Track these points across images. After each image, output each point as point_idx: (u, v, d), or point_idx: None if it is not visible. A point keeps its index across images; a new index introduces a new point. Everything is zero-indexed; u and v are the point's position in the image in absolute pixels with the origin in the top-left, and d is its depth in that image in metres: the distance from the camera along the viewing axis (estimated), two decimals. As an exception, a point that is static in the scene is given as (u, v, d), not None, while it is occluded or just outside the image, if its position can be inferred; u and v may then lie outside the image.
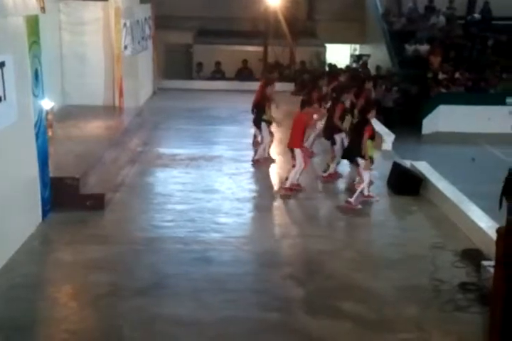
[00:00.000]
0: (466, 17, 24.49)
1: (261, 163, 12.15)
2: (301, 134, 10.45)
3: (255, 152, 12.46)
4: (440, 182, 10.25)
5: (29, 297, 6.72)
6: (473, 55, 22.08)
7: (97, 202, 9.31)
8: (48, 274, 7.47)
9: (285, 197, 10.24)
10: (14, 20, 7.82)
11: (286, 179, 10.51)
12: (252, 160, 12.21)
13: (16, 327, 6.11)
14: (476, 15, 24.43)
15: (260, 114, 12.25)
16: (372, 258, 8.08)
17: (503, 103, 20.08)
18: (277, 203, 10.09)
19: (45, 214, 8.81)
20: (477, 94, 20.53)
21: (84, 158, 10.29)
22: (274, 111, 12.70)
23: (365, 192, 10.09)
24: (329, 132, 11.57)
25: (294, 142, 10.44)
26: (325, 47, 25.56)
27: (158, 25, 19.87)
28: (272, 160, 12.32)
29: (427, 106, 20.17)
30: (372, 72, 22.52)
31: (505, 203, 5.78)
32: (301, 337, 6.18)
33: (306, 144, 11.68)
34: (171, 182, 10.92)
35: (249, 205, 9.94)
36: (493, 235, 6.32)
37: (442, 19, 23.83)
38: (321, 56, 25.29)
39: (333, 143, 11.40)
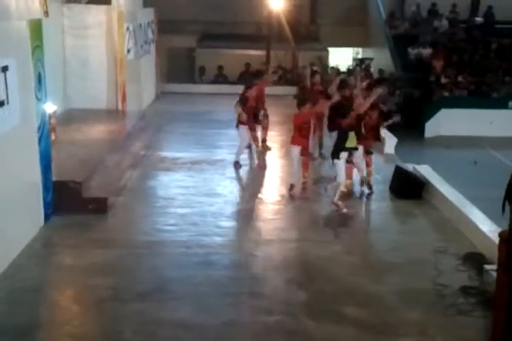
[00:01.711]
0: (468, 21, 24.52)
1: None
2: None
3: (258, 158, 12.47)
4: (442, 186, 10.24)
5: (31, 300, 6.72)
6: (475, 59, 22.08)
7: (99, 206, 9.31)
8: (50, 278, 7.47)
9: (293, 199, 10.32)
10: (17, 24, 7.83)
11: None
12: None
13: (19, 331, 6.10)
14: (479, 19, 24.44)
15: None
16: (374, 263, 8.06)
17: (505, 107, 20.09)
18: (280, 207, 10.07)
19: (47, 217, 8.81)
20: (479, 97, 20.53)
21: (86, 162, 10.28)
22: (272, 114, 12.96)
23: (335, 199, 9.73)
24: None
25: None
26: (328, 51, 25.57)
27: (161, 29, 19.93)
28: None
29: (429, 110, 20.17)
30: (375, 75, 22.54)
31: (508, 207, 5.77)
32: (303, 341, 6.18)
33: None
34: (173, 186, 10.92)
35: (251, 209, 9.93)
36: (496, 239, 6.30)
37: (445, 23, 23.86)
38: (323, 60, 25.30)
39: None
